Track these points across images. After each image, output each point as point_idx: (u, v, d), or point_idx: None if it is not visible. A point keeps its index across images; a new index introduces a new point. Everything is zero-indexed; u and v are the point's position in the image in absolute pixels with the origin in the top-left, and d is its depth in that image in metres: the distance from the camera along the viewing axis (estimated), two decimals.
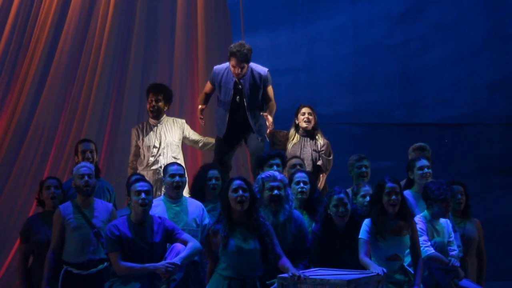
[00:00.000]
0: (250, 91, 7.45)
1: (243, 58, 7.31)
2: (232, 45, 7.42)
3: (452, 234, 6.50)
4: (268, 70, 7.55)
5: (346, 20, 10.23)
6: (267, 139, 7.79)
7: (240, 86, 7.44)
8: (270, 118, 7.41)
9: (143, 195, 5.97)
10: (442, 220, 6.52)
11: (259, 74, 7.48)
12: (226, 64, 7.52)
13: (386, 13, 10.28)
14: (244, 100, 7.43)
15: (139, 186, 6.01)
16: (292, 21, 10.17)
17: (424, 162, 7.09)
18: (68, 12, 8.66)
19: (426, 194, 6.51)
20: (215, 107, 7.76)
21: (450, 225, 6.55)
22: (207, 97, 7.75)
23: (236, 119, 7.49)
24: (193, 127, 8.20)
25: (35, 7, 8.63)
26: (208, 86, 7.70)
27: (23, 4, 8.60)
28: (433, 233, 6.41)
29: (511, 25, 10.35)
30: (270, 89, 7.56)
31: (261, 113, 7.44)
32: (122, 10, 8.76)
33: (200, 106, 7.64)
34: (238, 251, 5.82)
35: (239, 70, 7.36)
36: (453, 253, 6.37)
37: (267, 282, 5.88)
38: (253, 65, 7.49)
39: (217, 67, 7.63)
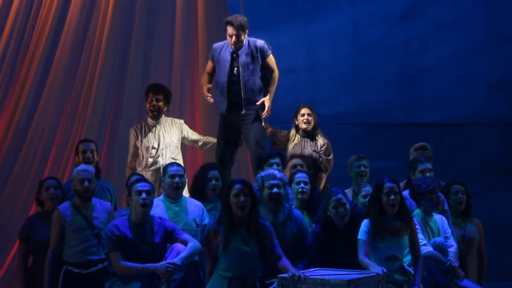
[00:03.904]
0: (246, 62, 7.41)
1: (238, 26, 7.34)
2: (228, 16, 7.48)
3: (449, 230, 6.49)
4: (265, 42, 7.55)
5: (346, 20, 10.24)
6: (266, 132, 7.73)
7: (235, 56, 7.44)
8: (267, 104, 7.38)
9: (144, 195, 5.98)
10: (436, 216, 6.51)
11: (255, 44, 7.48)
12: (225, 41, 7.54)
13: (386, 13, 10.28)
14: (240, 70, 7.42)
15: (140, 186, 6.02)
16: (292, 21, 10.18)
17: (426, 165, 7.07)
18: (68, 12, 8.66)
19: (414, 192, 6.50)
20: (214, 93, 7.75)
21: (446, 222, 6.53)
22: (209, 78, 7.73)
23: (233, 95, 7.43)
24: (193, 127, 8.20)
25: (35, 7, 8.63)
26: (209, 65, 7.70)
27: (23, 4, 8.61)
28: (428, 230, 6.40)
29: (511, 25, 10.35)
30: (270, 58, 7.54)
31: (257, 103, 7.40)
32: (122, 10, 8.76)
33: (205, 86, 7.61)
34: (238, 252, 5.82)
35: (236, 38, 7.37)
36: (452, 249, 6.35)
37: (266, 281, 5.88)
38: (250, 38, 7.51)
39: (216, 44, 7.67)
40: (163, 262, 5.87)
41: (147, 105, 7.93)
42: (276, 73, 7.56)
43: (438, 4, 10.34)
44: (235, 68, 7.44)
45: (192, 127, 8.19)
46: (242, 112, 7.44)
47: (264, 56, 7.51)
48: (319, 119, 7.99)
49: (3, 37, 8.56)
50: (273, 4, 10.15)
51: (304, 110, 7.88)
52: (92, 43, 8.69)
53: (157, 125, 7.90)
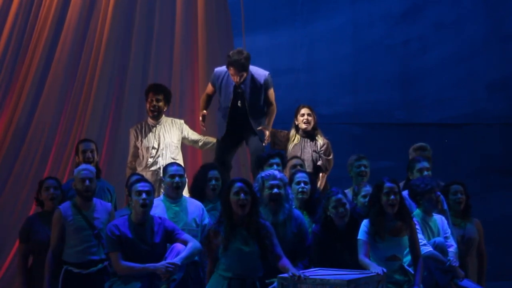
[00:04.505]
0: (251, 96, 7.47)
1: (241, 68, 7.34)
2: (230, 53, 7.43)
3: (448, 230, 6.49)
4: (269, 74, 7.57)
5: (346, 20, 10.24)
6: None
7: (240, 90, 7.46)
8: (267, 133, 7.48)
9: (144, 195, 5.98)
10: (436, 216, 6.51)
11: (260, 78, 7.49)
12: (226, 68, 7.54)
13: (386, 13, 10.28)
14: (246, 104, 7.45)
15: (140, 186, 6.02)
16: (292, 21, 10.18)
17: (424, 164, 7.08)
18: (68, 12, 8.65)
19: (413, 192, 6.49)
20: (216, 108, 7.77)
21: (445, 222, 6.53)
22: (208, 99, 7.77)
23: (237, 123, 7.50)
24: (193, 127, 8.20)
25: (35, 7, 8.63)
26: (209, 87, 7.73)
27: (23, 4, 8.61)
28: (427, 231, 6.40)
29: (511, 25, 10.35)
30: (271, 93, 7.59)
31: (258, 128, 7.47)
32: (122, 10, 8.76)
33: (202, 112, 7.66)
34: (239, 253, 5.82)
35: (238, 78, 7.39)
36: (451, 249, 6.35)
37: (266, 281, 5.88)
38: (253, 68, 7.51)
39: (218, 69, 7.65)
40: (163, 262, 5.87)
41: (147, 105, 7.92)
42: (274, 107, 7.61)
43: (438, 4, 10.34)
44: (239, 101, 7.47)
45: (192, 127, 8.18)
46: (252, 133, 7.51)
47: (266, 88, 7.54)
48: (319, 119, 7.99)
49: (3, 37, 8.56)
50: (273, 4, 10.15)
51: (304, 110, 7.88)
52: (92, 43, 8.68)
53: (157, 125, 7.90)
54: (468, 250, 6.99)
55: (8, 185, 8.37)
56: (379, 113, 10.19)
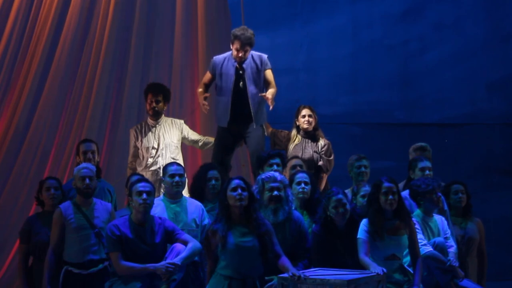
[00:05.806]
0: (252, 76, 7.41)
1: (247, 40, 7.31)
2: (235, 29, 7.41)
3: (448, 231, 6.49)
4: (267, 56, 7.54)
5: (346, 20, 10.24)
6: (266, 133, 7.74)
7: (241, 72, 7.42)
8: (269, 97, 7.29)
9: (144, 196, 5.99)
10: (436, 217, 6.51)
11: (260, 57, 7.46)
12: (225, 54, 7.51)
13: (386, 13, 10.28)
14: (246, 84, 7.41)
15: (141, 186, 6.03)
16: (292, 21, 10.18)
17: (426, 163, 7.08)
18: (68, 12, 8.66)
19: (414, 193, 6.50)
20: (214, 104, 7.73)
21: (445, 222, 6.54)
22: (206, 88, 7.69)
23: (238, 108, 7.43)
24: (193, 127, 8.20)
25: (35, 7, 8.63)
26: (207, 76, 7.64)
27: (23, 4, 8.61)
28: (428, 231, 6.40)
29: (511, 25, 10.35)
30: (269, 72, 7.50)
31: (260, 94, 7.36)
32: (122, 10, 8.76)
33: (203, 95, 7.46)
34: (237, 249, 5.83)
35: (243, 53, 7.34)
36: (451, 249, 6.35)
37: (266, 278, 5.88)
38: (253, 52, 7.48)
39: (216, 57, 7.60)
40: (163, 262, 5.88)
41: (147, 106, 7.93)
42: (274, 85, 7.45)
43: (438, 4, 10.33)
44: (241, 82, 7.42)
45: (192, 127, 8.19)
46: (250, 126, 7.42)
47: (265, 68, 7.48)
48: (319, 119, 7.98)
49: (3, 37, 8.56)
50: (273, 4, 10.15)
51: (305, 111, 7.87)
52: (92, 43, 8.69)
53: (157, 125, 7.90)
54: (469, 250, 6.99)
55: (8, 185, 8.37)
56: (379, 113, 10.18)
